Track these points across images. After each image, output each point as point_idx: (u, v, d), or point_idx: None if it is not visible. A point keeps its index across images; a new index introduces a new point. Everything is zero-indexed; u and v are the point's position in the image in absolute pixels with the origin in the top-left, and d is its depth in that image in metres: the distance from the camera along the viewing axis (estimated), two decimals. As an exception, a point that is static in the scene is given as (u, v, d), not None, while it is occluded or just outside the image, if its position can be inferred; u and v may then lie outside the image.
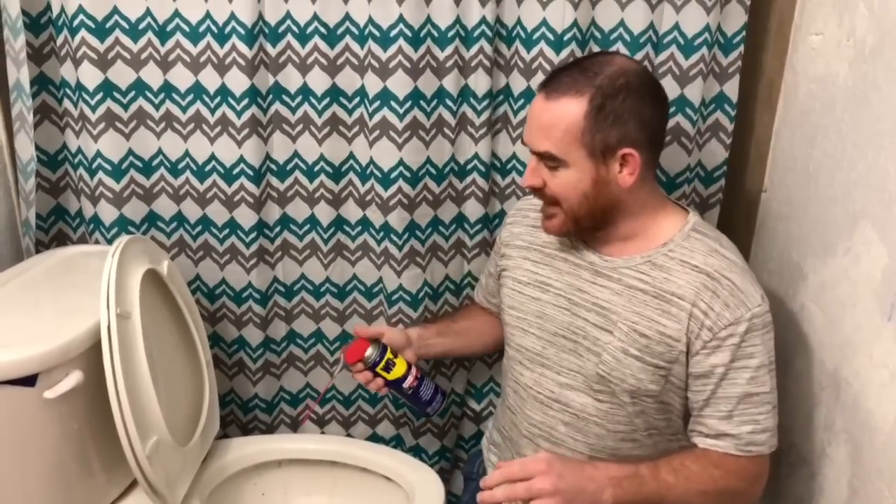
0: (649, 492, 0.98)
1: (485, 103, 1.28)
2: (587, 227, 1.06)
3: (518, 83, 1.28)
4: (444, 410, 1.48)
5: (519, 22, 1.24)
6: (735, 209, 1.37)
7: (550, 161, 1.01)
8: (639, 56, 1.24)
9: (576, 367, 1.09)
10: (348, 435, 1.54)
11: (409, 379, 1.22)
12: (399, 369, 1.21)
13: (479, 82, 1.26)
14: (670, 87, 1.23)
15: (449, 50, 1.23)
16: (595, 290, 1.08)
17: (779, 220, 1.25)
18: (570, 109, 0.97)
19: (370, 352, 1.20)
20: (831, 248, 1.06)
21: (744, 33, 1.23)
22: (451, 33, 1.22)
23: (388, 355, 1.21)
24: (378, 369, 1.20)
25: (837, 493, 1.03)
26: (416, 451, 1.53)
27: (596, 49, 1.26)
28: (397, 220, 1.32)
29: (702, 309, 0.99)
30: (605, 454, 1.10)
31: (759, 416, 1.01)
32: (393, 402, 1.49)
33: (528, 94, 1.28)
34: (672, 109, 1.24)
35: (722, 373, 0.99)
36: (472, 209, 1.36)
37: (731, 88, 1.26)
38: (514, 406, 1.19)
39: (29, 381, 0.99)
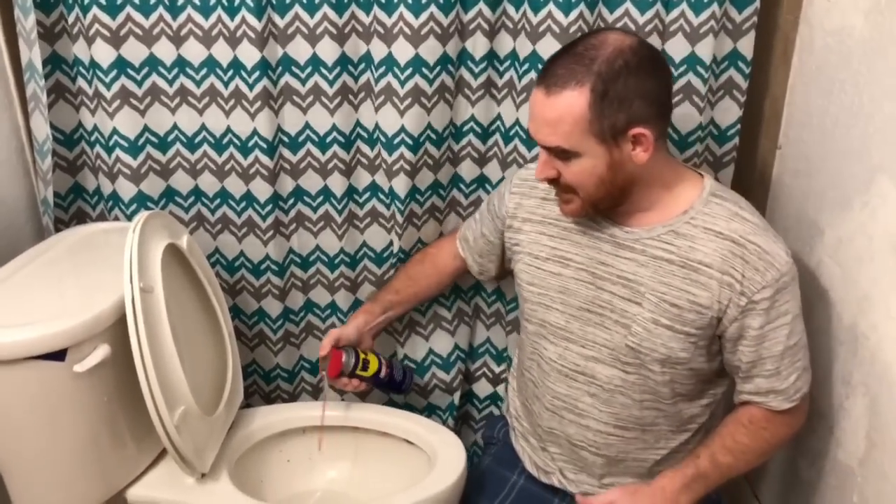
0: (715, 480, 1.08)
1: (482, 66, 1.27)
2: (606, 206, 1.05)
3: (525, 47, 1.26)
4: (451, 366, 1.50)
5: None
6: (750, 167, 1.36)
7: (562, 154, 1.00)
8: (649, 14, 1.21)
9: (602, 339, 1.09)
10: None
11: (384, 369, 1.31)
12: (373, 364, 1.29)
13: (477, 45, 1.26)
14: (681, 46, 1.22)
15: (452, 15, 1.22)
16: (618, 262, 1.07)
17: (795, 177, 1.25)
18: (574, 102, 0.95)
19: (345, 358, 1.26)
20: (848, 202, 1.06)
21: (758, -13, 1.20)
22: None
23: (361, 355, 1.28)
24: (357, 371, 1.27)
25: (855, 446, 1.04)
26: (430, 410, 1.56)
27: (605, 12, 1.23)
28: (401, 185, 1.33)
29: (733, 276, 1.00)
30: (629, 423, 1.12)
31: (799, 361, 1.04)
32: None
33: (533, 59, 1.25)
34: (683, 68, 1.23)
35: (762, 334, 1.01)
36: (468, 171, 1.38)
37: (746, 45, 1.24)
38: (537, 379, 1.19)
39: (59, 355, 1.01)
